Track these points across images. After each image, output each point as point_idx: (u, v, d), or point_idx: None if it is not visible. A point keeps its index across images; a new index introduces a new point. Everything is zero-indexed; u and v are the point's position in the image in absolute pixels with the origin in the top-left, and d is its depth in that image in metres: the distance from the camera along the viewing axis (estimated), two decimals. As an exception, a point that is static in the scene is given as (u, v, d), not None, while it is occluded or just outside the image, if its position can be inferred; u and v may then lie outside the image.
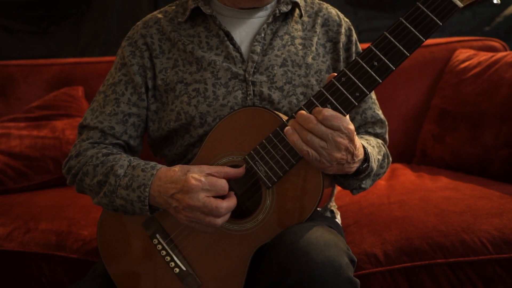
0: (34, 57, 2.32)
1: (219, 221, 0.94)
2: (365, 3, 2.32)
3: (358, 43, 1.20)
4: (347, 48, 1.17)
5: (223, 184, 0.94)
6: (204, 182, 0.93)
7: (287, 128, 0.91)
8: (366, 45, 1.21)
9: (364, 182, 1.08)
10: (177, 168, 0.98)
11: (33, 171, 1.84)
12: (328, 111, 0.87)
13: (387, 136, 1.21)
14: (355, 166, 0.95)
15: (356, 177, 1.00)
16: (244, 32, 1.13)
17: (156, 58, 1.12)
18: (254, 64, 1.09)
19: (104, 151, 1.08)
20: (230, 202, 0.95)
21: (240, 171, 0.97)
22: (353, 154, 0.91)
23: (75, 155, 1.10)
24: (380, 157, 1.10)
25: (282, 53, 1.11)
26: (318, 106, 0.91)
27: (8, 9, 2.48)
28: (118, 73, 1.14)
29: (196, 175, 0.94)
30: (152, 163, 1.02)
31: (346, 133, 0.88)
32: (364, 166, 0.98)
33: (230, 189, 1.02)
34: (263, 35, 1.11)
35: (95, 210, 1.52)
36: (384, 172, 1.14)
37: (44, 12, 2.47)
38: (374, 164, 1.02)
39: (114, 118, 1.11)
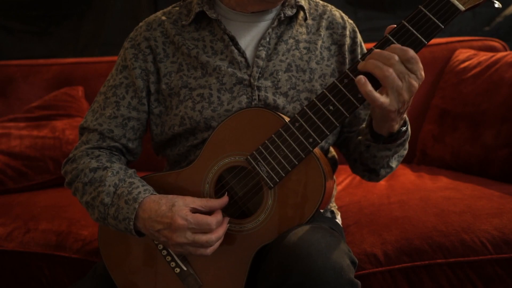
0: (34, 57, 2.32)
1: (209, 251, 0.95)
2: (365, 3, 2.32)
3: (363, 44, 1.20)
4: (352, 50, 1.17)
5: (209, 222, 0.94)
6: (190, 221, 0.93)
7: (359, 77, 0.86)
8: (365, 46, 1.22)
9: (391, 159, 1.10)
10: (162, 200, 0.97)
11: (33, 171, 1.84)
12: (413, 52, 0.87)
13: None
14: (400, 123, 0.97)
15: (393, 142, 1.02)
16: (249, 36, 1.12)
17: (160, 62, 1.11)
18: (259, 69, 1.09)
19: (92, 165, 1.05)
20: (219, 233, 0.95)
21: (224, 201, 0.98)
22: (408, 105, 0.92)
23: (71, 160, 1.10)
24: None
25: (286, 58, 1.11)
26: (319, 107, 0.91)
27: (8, 9, 2.48)
28: (119, 75, 1.13)
29: (183, 212, 0.94)
30: (136, 192, 0.99)
31: (421, 78, 0.89)
32: (404, 128, 1.01)
33: (231, 190, 1.03)
34: (267, 39, 1.11)
35: (95, 210, 1.52)
36: (404, 155, 1.16)
37: (44, 12, 2.48)
38: (409, 130, 1.04)
39: (114, 121, 1.10)
